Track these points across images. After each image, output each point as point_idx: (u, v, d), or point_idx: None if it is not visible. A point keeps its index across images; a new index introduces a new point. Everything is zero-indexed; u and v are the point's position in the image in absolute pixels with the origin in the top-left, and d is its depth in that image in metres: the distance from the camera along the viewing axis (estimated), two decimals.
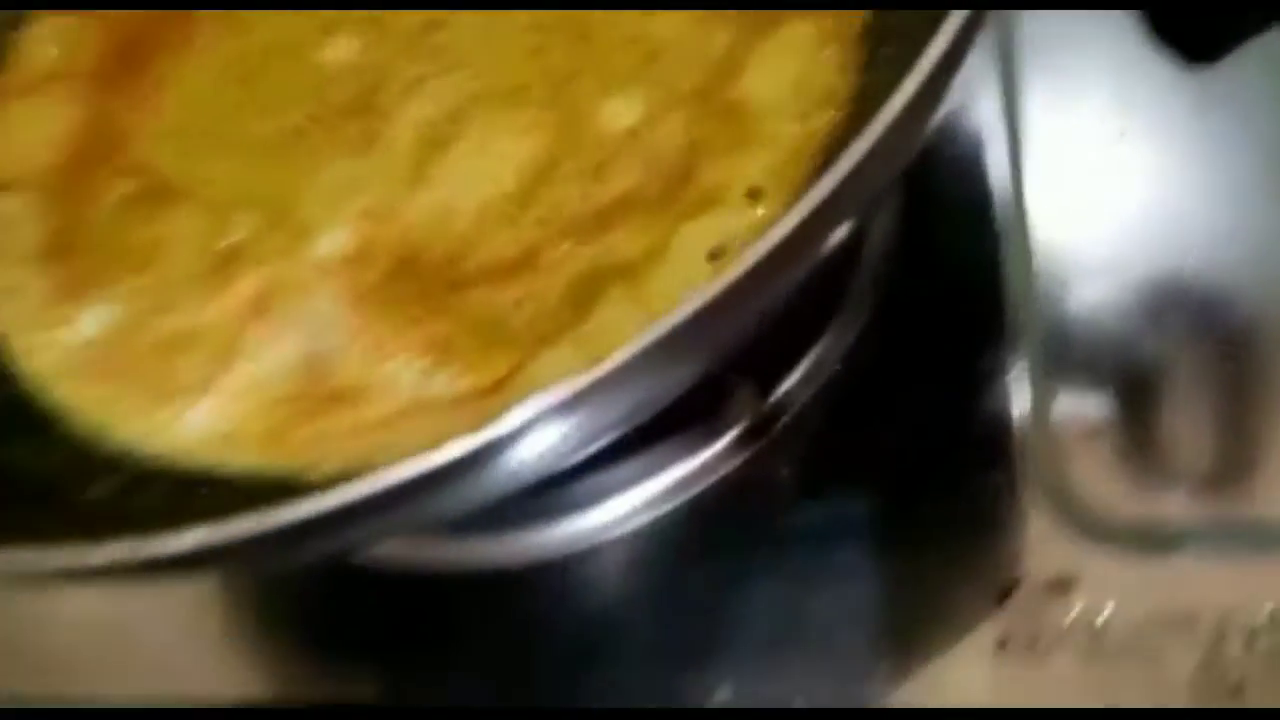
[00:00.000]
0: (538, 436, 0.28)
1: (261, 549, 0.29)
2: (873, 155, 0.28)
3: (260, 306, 0.40)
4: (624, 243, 0.38)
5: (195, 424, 0.40)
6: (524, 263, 0.38)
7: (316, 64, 0.44)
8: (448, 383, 0.37)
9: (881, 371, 0.42)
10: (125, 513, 0.36)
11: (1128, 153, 0.44)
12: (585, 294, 0.37)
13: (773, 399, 0.42)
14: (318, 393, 0.39)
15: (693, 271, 0.36)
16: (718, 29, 0.41)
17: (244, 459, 0.39)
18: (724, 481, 0.42)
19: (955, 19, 0.29)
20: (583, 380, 0.27)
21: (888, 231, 0.45)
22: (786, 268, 0.29)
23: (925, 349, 0.43)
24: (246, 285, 0.41)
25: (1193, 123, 0.44)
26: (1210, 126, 0.44)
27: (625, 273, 0.37)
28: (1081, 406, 0.41)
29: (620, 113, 0.41)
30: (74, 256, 0.44)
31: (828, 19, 0.40)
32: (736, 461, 0.42)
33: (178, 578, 0.41)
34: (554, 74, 0.42)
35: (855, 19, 0.40)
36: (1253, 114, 0.44)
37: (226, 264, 0.41)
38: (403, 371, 0.38)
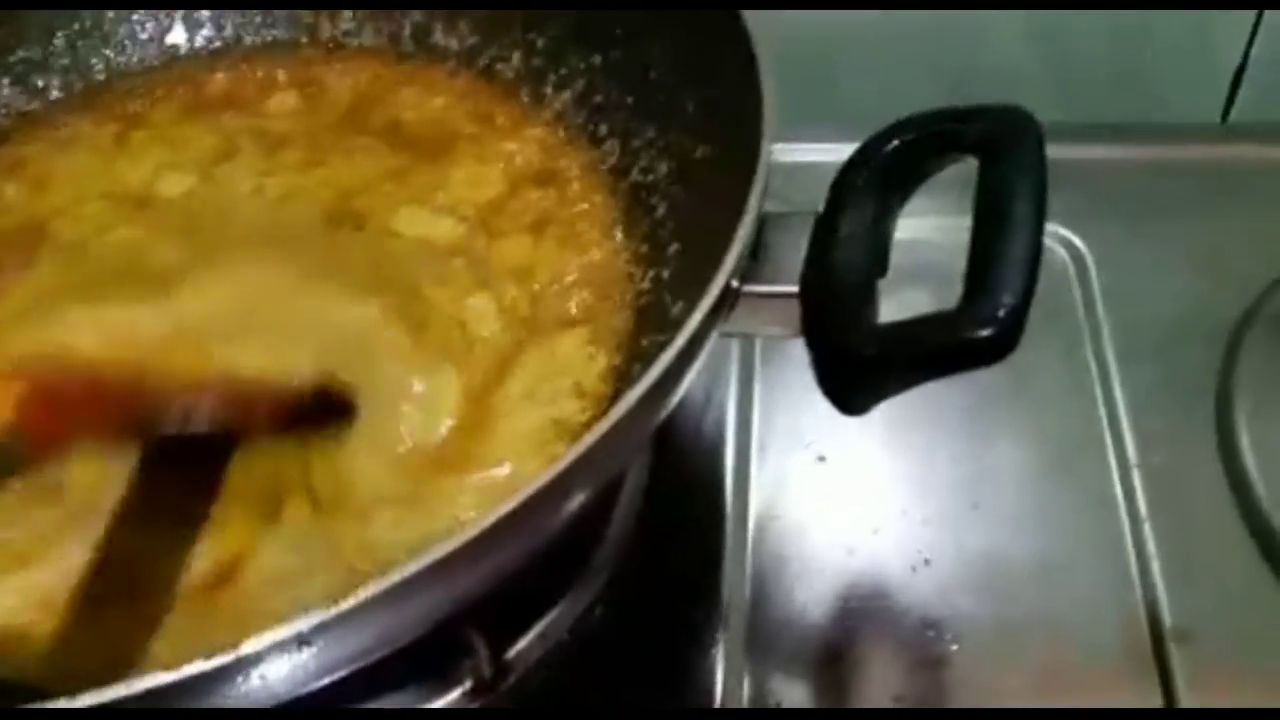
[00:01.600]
0: (272, 664, 0.32)
1: None
2: (597, 448, 0.35)
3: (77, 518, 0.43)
4: None
5: None
6: None
7: None
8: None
9: (605, 645, 0.48)
10: None
11: (828, 474, 0.53)
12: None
13: (506, 656, 0.47)
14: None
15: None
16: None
17: None
18: None
19: (677, 344, 0.37)
20: (320, 616, 0.31)
21: (629, 514, 0.51)
22: (512, 538, 0.35)
23: (647, 626, 0.49)
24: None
25: (883, 455, 0.54)
26: (900, 458, 0.54)
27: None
28: (775, 690, 0.47)
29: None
30: None
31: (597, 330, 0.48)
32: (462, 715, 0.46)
33: None
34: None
35: (619, 333, 0.48)
36: (935, 448, 0.54)
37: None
38: None
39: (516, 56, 0.58)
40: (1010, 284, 0.34)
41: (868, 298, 0.38)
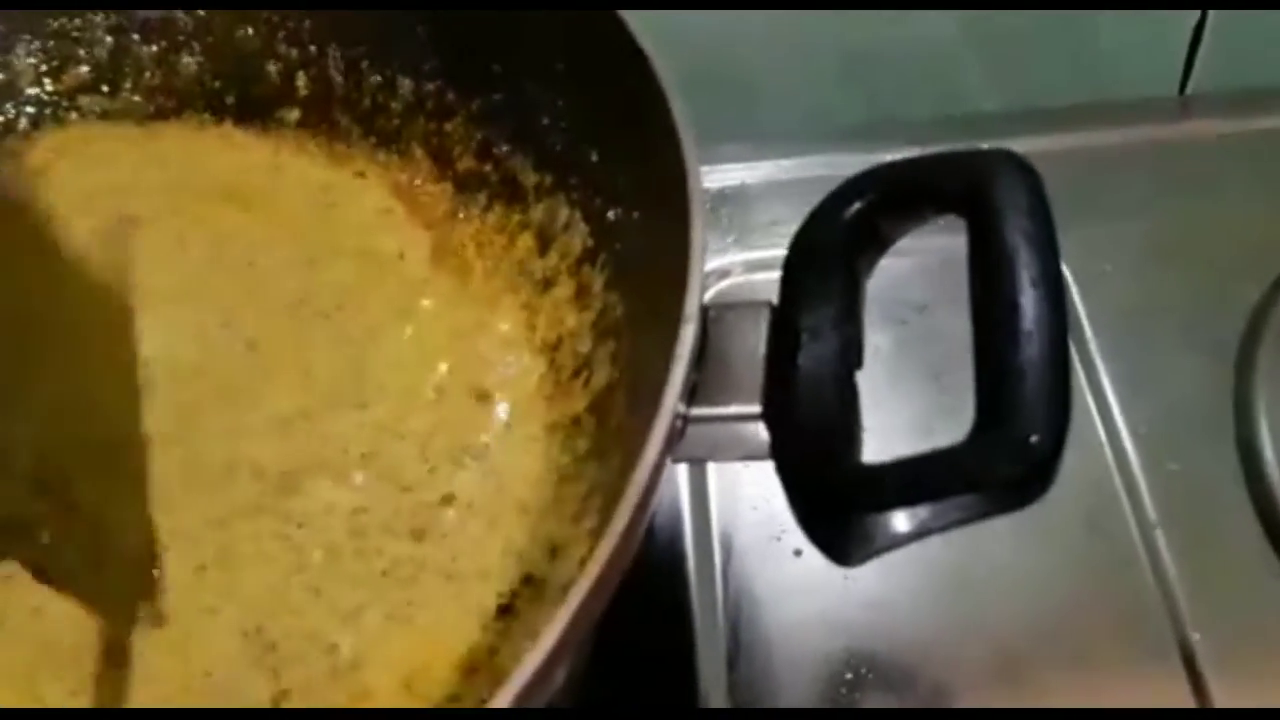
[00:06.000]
0: None
1: None
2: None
3: None
4: None
5: None
6: None
7: None
8: None
9: None
10: None
11: (808, 570, 0.45)
12: None
13: None
14: None
15: None
16: None
17: None
18: None
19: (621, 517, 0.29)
20: None
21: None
22: None
23: None
24: None
25: None
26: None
27: None
28: None
29: None
30: None
31: None
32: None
33: None
34: None
35: None
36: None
37: None
38: None
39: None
40: (1037, 402, 0.26)
41: (847, 419, 0.30)
